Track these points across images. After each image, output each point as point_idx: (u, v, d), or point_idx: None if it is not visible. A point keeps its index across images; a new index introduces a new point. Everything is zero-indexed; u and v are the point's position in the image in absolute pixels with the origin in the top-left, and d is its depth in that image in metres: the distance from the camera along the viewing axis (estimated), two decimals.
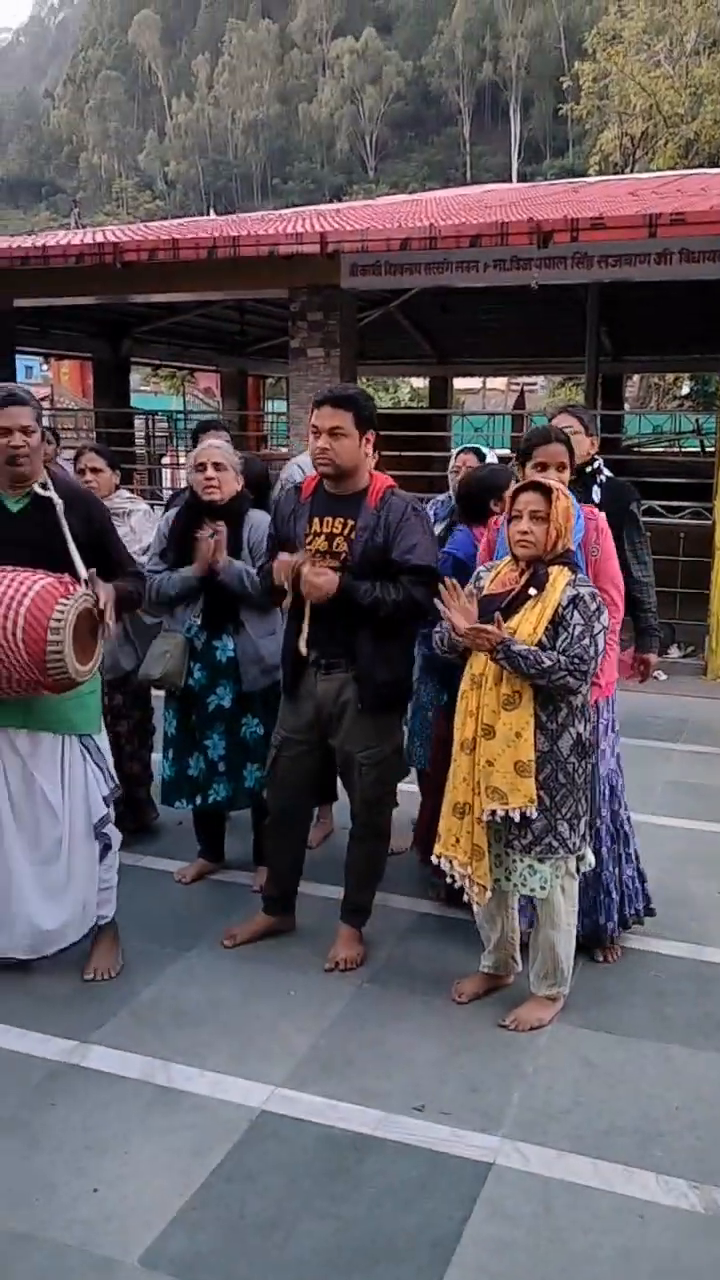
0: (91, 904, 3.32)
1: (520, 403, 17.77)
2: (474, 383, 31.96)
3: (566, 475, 3.38)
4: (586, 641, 2.98)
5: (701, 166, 22.73)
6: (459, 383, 31.51)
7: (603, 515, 3.48)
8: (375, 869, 3.55)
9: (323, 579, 3.20)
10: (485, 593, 3.17)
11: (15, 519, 3.18)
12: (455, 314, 14.61)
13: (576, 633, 2.99)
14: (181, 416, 20.18)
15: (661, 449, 18.32)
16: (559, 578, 3.06)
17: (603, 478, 3.96)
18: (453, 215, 7.88)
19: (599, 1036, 3.13)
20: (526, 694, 3.00)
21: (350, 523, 3.29)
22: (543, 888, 3.09)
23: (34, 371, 28.40)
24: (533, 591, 3.06)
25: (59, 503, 3.17)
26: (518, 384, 26.71)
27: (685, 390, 29.19)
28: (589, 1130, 2.70)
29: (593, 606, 3.03)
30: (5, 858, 3.20)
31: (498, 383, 30.28)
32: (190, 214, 60.90)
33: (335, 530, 3.30)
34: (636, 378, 26.59)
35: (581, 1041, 3.10)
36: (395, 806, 3.58)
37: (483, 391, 35.61)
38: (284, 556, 3.29)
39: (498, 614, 3.02)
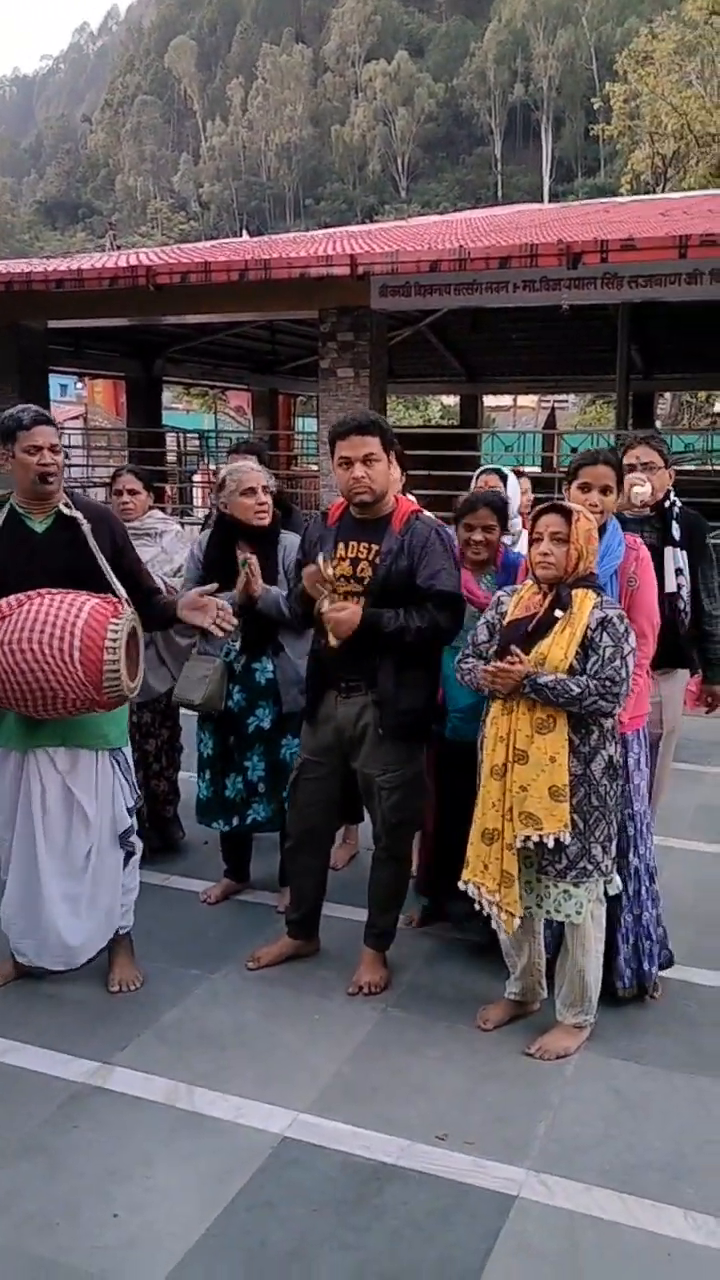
0: (115, 912, 3.40)
1: (551, 421, 17.73)
2: (505, 400, 31.98)
3: (612, 499, 3.36)
4: (617, 663, 2.96)
5: None
6: (489, 400, 31.59)
7: (644, 545, 3.44)
8: (398, 892, 3.53)
9: (344, 614, 3.18)
10: (509, 619, 3.15)
11: (42, 539, 3.21)
12: (485, 333, 14.66)
13: (607, 655, 2.96)
14: (213, 435, 20.38)
15: (693, 467, 18.24)
16: (585, 600, 3.03)
17: (678, 510, 3.87)
18: (482, 237, 7.89)
19: (628, 1067, 3.08)
20: (561, 718, 2.98)
21: (375, 547, 3.29)
22: (578, 913, 3.05)
23: (68, 389, 28.74)
24: (559, 614, 3.04)
25: (85, 523, 3.20)
26: (548, 402, 26.71)
27: (718, 407, 29.08)
28: (617, 1164, 2.66)
29: (621, 628, 3.00)
30: (39, 873, 3.27)
31: (528, 400, 30.28)
32: (223, 234, 61.54)
33: (360, 555, 3.30)
34: (668, 395, 26.52)
35: (610, 1072, 3.05)
36: (418, 830, 3.55)
37: (514, 409, 35.63)
38: (310, 568, 3.29)
39: (514, 649, 3.00)
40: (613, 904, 3.34)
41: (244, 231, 25.13)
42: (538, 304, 8.12)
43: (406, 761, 3.38)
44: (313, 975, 3.57)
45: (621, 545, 3.36)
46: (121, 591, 3.18)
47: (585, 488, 3.32)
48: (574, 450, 22.04)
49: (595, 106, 37.50)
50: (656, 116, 28.41)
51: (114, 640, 2.99)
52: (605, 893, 3.14)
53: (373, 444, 3.24)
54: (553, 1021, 3.19)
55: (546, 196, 71.25)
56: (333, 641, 3.22)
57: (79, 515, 3.20)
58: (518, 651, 2.99)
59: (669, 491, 3.84)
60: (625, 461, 3.67)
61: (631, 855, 3.35)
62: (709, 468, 18.20)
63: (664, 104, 27.77)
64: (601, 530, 3.30)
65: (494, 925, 3.08)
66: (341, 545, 3.34)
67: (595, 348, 13.91)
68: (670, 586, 3.74)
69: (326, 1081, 2.98)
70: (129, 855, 3.43)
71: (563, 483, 3.44)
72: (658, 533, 3.78)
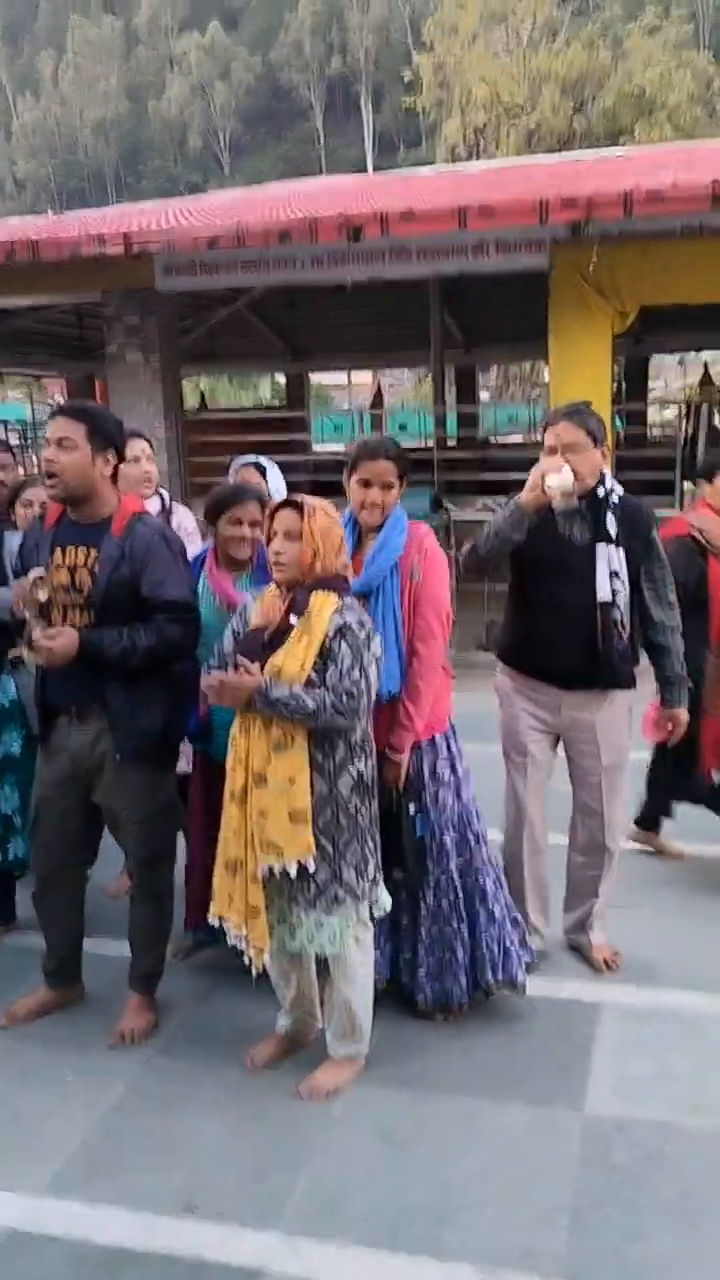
0: None
1: (378, 400, 17.54)
2: (340, 377, 31.79)
3: (393, 495, 3.11)
4: (356, 674, 2.73)
5: (545, 154, 22.97)
6: (326, 377, 31.31)
7: (431, 534, 3.20)
8: (160, 930, 3.25)
9: (58, 642, 2.86)
10: (250, 626, 2.90)
11: None
12: (302, 309, 14.37)
13: (345, 666, 2.73)
14: (32, 425, 19.49)
15: (520, 440, 18.46)
16: (324, 604, 2.79)
17: (616, 499, 3.23)
18: (269, 212, 7.57)
19: (399, 1096, 2.89)
20: (299, 736, 2.74)
21: (93, 552, 2.97)
22: (333, 942, 2.84)
23: None
24: (294, 620, 2.80)
25: None
26: (383, 376, 26.61)
27: (545, 377, 29.64)
28: (377, 1216, 2.46)
29: (361, 635, 2.77)
30: None
31: (363, 376, 30.16)
32: (41, 213, 59.07)
33: (78, 561, 2.98)
34: (494, 367, 26.80)
35: (380, 1106, 2.86)
36: (173, 861, 3.28)
37: (348, 386, 35.50)
38: (18, 582, 2.96)
39: (242, 659, 2.75)
40: (412, 916, 3.15)
41: (49, 211, 24.04)
42: (324, 281, 7.88)
43: (152, 789, 3.09)
44: (74, 1026, 3.27)
45: (402, 535, 3.12)
46: None
47: (365, 484, 3.06)
48: (402, 428, 22.09)
49: (408, 79, 37.50)
50: (466, 87, 28.56)
51: None
52: (371, 915, 2.93)
53: (74, 430, 2.92)
54: (325, 1055, 2.98)
55: (371, 169, 71.21)
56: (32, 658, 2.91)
57: None
58: (245, 662, 2.74)
59: (603, 476, 3.22)
60: (546, 443, 3.19)
61: (434, 869, 3.15)
62: (535, 440, 18.47)
63: (472, 74, 27.93)
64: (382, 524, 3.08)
65: (245, 960, 2.83)
66: (59, 551, 3.01)
67: (413, 323, 13.79)
68: (603, 594, 3.17)
69: (71, 1153, 2.70)
70: None
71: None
72: (589, 526, 3.21)
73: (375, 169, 70.05)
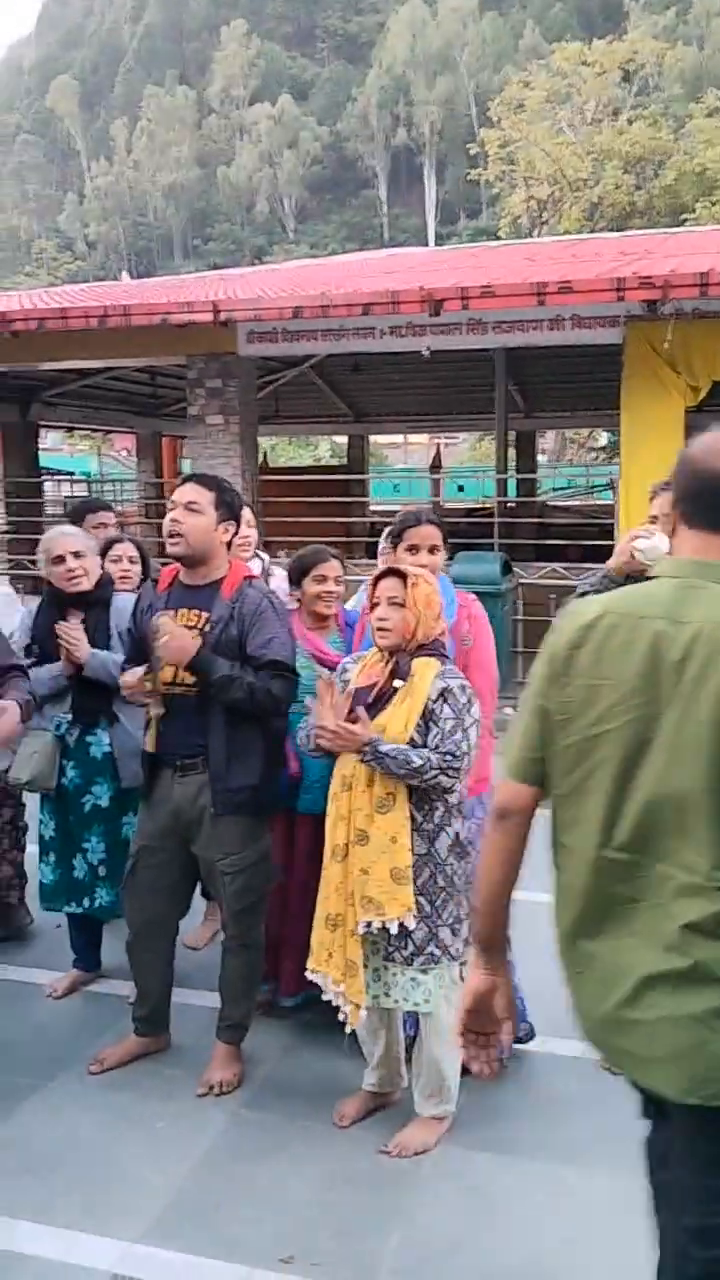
0: None
1: (436, 462, 17.81)
2: (397, 438, 32.25)
3: (440, 559, 3.25)
4: (459, 736, 2.83)
5: (605, 229, 23.41)
6: (382, 438, 31.80)
7: (477, 602, 3.33)
8: (251, 981, 3.32)
9: (184, 636, 3.02)
10: (352, 686, 3.01)
11: None
12: (367, 374, 14.68)
13: (448, 728, 2.83)
14: (99, 479, 19.97)
15: (577, 502, 18.59)
16: (426, 669, 2.91)
17: None
18: (347, 283, 7.85)
19: (487, 1159, 2.92)
20: (401, 795, 2.83)
21: (205, 614, 3.12)
22: (426, 1001, 2.89)
23: None
24: (398, 684, 2.91)
25: None
26: (439, 439, 26.99)
27: (602, 442, 29.82)
28: (473, 1274, 2.49)
29: (463, 699, 2.88)
30: None
31: (419, 437, 30.58)
32: (111, 274, 61.01)
33: (190, 622, 3.13)
34: (550, 432, 27.07)
35: (469, 1166, 2.89)
36: (265, 913, 3.35)
37: (404, 446, 35.96)
38: (131, 672, 3.16)
39: (361, 710, 2.86)
40: None
41: (123, 273, 24.86)
42: (404, 349, 8.11)
43: (248, 842, 3.19)
44: (162, 1075, 3.33)
45: (454, 604, 3.26)
46: None
47: (413, 549, 3.21)
48: (460, 489, 22.35)
49: (473, 152, 38.48)
50: (531, 162, 29.25)
51: None
52: (461, 975, 2.99)
53: (201, 496, 3.12)
54: (413, 1113, 3.02)
55: (431, 238, 72.81)
56: (149, 746, 3.13)
57: None
58: (362, 713, 2.84)
59: None
60: (650, 512, 3.25)
61: None
62: (594, 502, 18.59)
63: (537, 150, 28.62)
64: None
65: (340, 1017, 2.89)
66: (171, 613, 3.16)
67: (476, 388, 14.05)
68: None
69: (166, 1202, 2.75)
70: None
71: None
72: None
73: (436, 236, 71.57)
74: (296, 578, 3.56)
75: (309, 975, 2.95)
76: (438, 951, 2.86)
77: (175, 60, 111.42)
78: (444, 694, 2.86)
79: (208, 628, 3.11)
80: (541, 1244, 2.59)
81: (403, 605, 2.91)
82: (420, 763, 2.78)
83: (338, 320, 7.64)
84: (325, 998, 2.94)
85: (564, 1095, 3.22)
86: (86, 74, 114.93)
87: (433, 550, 3.23)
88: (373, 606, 2.99)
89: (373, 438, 26.95)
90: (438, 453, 18.62)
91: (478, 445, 34.85)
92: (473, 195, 77.38)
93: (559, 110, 30.32)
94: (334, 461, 27.91)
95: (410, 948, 2.85)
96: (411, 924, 2.81)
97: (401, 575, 2.94)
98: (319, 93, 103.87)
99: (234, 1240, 2.61)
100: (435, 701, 2.86)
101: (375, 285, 7.53)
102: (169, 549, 3.16)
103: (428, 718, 2.85)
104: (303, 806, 3.43)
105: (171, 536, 3.11)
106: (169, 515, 3.13)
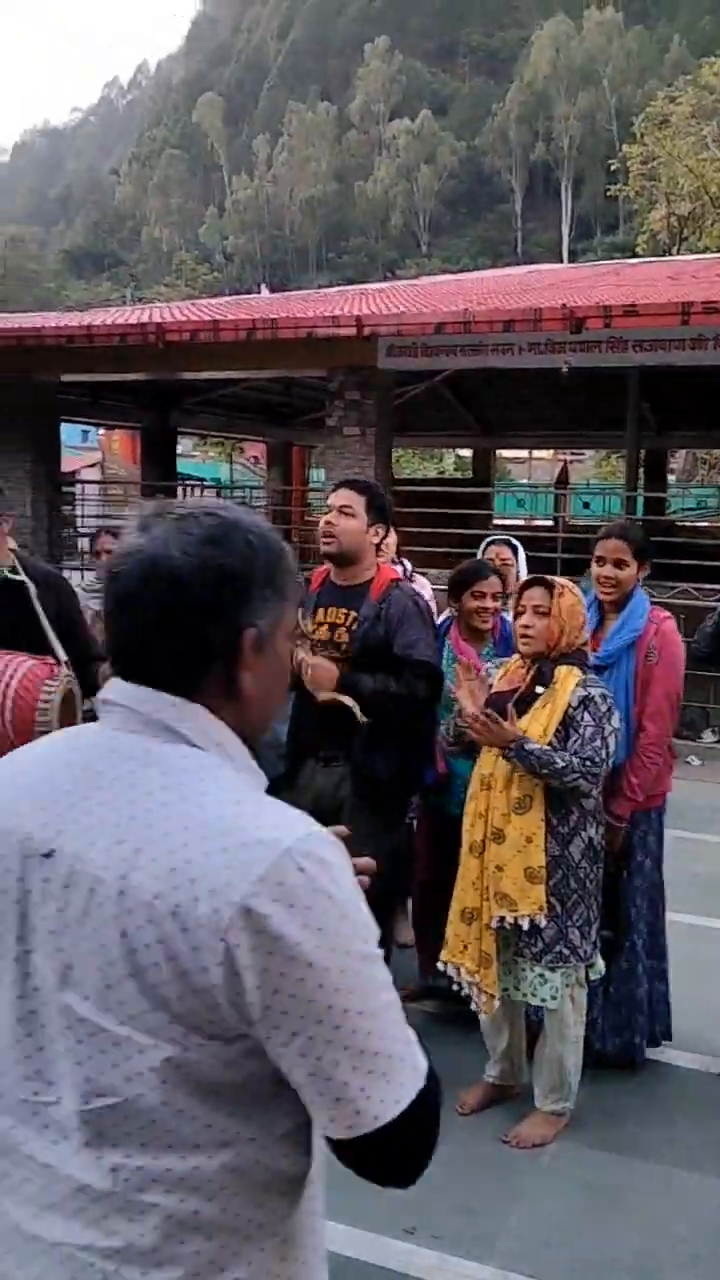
0: None
1: (563, 477, 17.76)
2: (522, 452, 32.14)
3: (628, 573, 3.35)
4: (598, 743, 2.93)
5: None
6: (508, 452, 31.76)
7: (670, 619, 3.41)
8: None
9: (323, 668, 3.18)
10: (493, 690, 3.14)
11: None
12: (498, 389, 14.76)
13: (588, 734, 2.93)
14: (229, 486, 20.53)
15: (706, 524, 18.24)
16: (568, 677, 3.01)
17: None
18: (488, 299, 7.98)
19: (604, 1156, 3.00)
20: (538, 797, 2.94)
21: (353, 614, 3.28)
22: (553, 997, 2.99)
23: (90, 436, 29.06)
24: (540, 690, 3.02)
25: (31, 586, 3.17)
26: (564, 455, 26.83)
27: None
28: (585, 1261, 2.58)
29: (603, 708, 2.97)
30: None
31: (544, 453, 30.43)
32: (246, 286, 62.45)
33: (338, 620, 3.29)
34: (681, 451, 26.60)
35: (585, 1161, 2.97)
36: (400, 907, 3.50)
37: (529, 461, 35.80)
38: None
39: (511, 708, 2.98)
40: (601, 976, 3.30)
41: (262, 286, 25.48)
42: (543, 366, 8.18)
43: (383, 834, 3.33)
44: None
45: (643, 618, 3.34)
46: (62, 654, 3.13)
47: (600, 561, 3.36)
48: (585, 506, 22.16)
49: (613, 168, 38.10)
50: (673, 178, 28.84)
51: (46, 702, 2.89)
52: (587, 977, 3.08)
53: (355, 500, 3.26)
54: (532, 1106, 3.12)
55: (565, 253, 72.22)
56: (322, 696, 3.18)
57: (25, 579, 3.18)
58: (512, 711, 2.96)
59: None
60: None
61: (630, 933, 3.32)
62: None
63: (680, 166, 28.20)
64: (624, 601, 3.32)
65: (473, 1006, 3.02)
66: (320, 610, 3.33)
67: (608, 406, 13.97)
68: None
69: None
70: None
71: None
72: None
73: (570, 253, 71.02)
74: (456, 591, 3.70)
75: (441, 965, 3.08)
76: (566, 951, 2.96)
77: (318, 76, 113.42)
78: (585, 702, 2.96)
79: (354, 627, 3.27)
80: (652, 1241, 2.66)
81: (548, 614, 3.03)
82: (563, 764, 2.88)
83: (478, 336, 7.77)
84: (455, 987, 3.07)
85: (684, 1104, 3.28)
86: (231, 90, 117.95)
87: (618, 564, 3.33)
88: (516, 615, 3.11)
89: (498, 452, 27.04)
90: (565, 469, 18.55)
91: (604, 462, 34.45)
92: (609, 211, 76.53)
93: (704, 126, 29.77)
94: (458, 475, 28.01)
95: (540, 944, 2.95)
96: (543, 922, 2.91)
97: (548, 585, 3.06)
98: (458, 107, 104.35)
99: (360, 1208, 2.74)
100: (576, 709, 2.96)
101: (516, 302, 7.63)
102: (322, 548, 3.34)
103: (567, 724, 2.96)
104: (448, 805, 3.57)
105: (326, 537, 3.29)
106: (324, 518, 3.32)
